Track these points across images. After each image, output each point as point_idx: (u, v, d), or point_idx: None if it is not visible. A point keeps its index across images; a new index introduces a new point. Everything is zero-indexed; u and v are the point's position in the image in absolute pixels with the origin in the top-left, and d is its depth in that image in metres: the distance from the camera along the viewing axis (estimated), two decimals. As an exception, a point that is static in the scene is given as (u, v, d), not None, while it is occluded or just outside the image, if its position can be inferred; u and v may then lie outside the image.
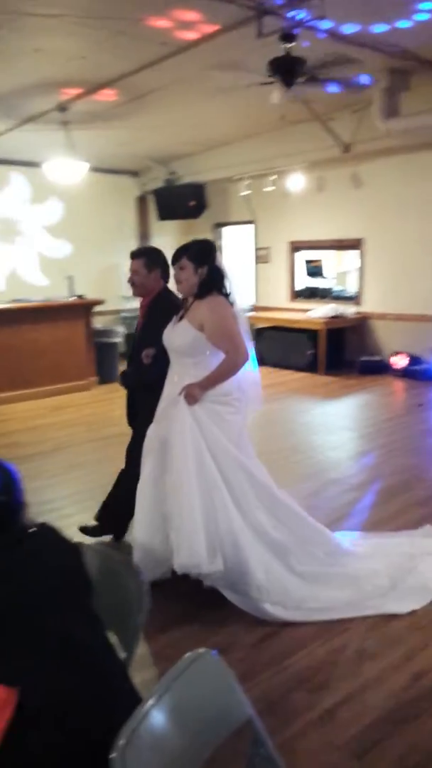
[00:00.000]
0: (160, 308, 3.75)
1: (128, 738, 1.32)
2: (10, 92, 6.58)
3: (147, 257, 3.90)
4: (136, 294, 3.94)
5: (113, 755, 1.28)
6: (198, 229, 10.67)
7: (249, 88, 5.90)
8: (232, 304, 3.36)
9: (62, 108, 7.04)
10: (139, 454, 3.41)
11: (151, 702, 1.40)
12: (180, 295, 3.46)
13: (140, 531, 3.27)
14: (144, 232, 11.25)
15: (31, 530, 1.64)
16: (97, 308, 8.85)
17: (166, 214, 10.42)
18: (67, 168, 7.92)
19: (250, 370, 3.47)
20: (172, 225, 10.98)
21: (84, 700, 1.46)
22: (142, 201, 11.18)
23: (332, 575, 3.34)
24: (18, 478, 1.67)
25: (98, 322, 9.25)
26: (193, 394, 3.23)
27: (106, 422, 6.77)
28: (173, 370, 3.40)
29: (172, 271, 3.52)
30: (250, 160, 9.27)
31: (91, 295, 8.94)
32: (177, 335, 3.34)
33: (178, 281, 3.40)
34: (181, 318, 3.38)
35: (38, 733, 1.42)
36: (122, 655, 1.75)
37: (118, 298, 10.35)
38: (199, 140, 9.24)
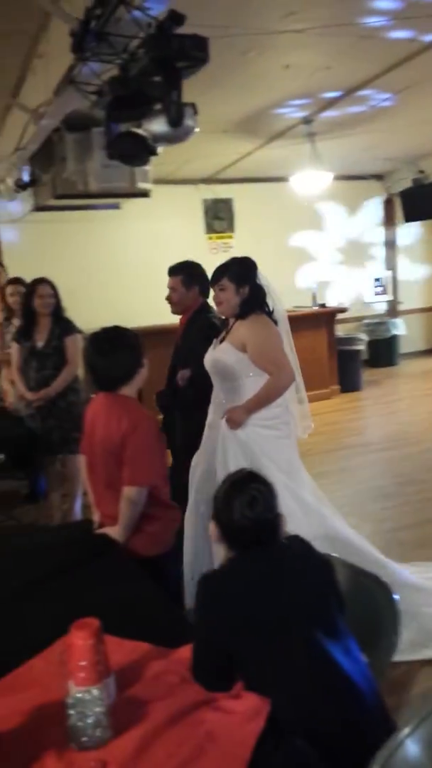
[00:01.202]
0: (197, 327, 3.57)
1: (382, 766, 1.27)
2: (260, 111, 6.81)
3: (185, 274, 3.67)
4: (174, 312, 3.72)
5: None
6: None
7: None
8: (275, 322, 3.16)
9: (308, 120, 7.13)
10: (177, 482, 3.20)
11: (406, 731, 1.33)
12: (222, 316, 3.24)
13: (186, 560, 3.13)
14: (391, 236, 11.01)
15: (286, 543, 1.66)
16: (340, 315, 8.82)
17: (413, 215, 10.07)
18: (313, 179, 8.01)
19: (297, 390, 3.23)
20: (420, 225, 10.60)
21: (336, 719, 1.44)
22: (388, 204, 10.94)
23: None
24: (277, 493, 1.70)
25: (341, 330, 9.21)
26: (235, 419, 3.05)
27: (349, 431, 6.70)
28: (216, 394, 3.22)
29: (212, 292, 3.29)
30: None
31: (333, 302, 8.93)
32: (219, 357, 3.15)
33: (218, 302, 3.20)
34: (222, 339, 3.19)
35: (289, 746, 1.42)
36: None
37: (362, 305, 10.23)
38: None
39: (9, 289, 5.53)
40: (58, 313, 4.45)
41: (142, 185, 6.08)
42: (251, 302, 3.18)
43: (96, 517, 2.70)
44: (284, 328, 3.30)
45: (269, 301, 3.25)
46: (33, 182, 5.79)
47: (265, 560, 1.62)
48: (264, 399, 3.08)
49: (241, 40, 4.61)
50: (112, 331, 2.57)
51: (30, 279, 4.68)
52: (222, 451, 3.10)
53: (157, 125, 3.16)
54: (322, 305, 8.79)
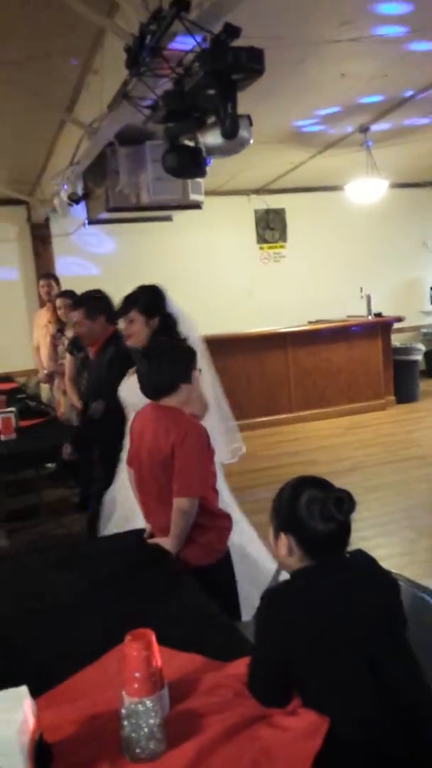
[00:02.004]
0: (108, 358, 3.43)
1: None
2: (315, 120, 6.79)
3: (87, 306, 3.53)
4: (84, 344, 3.59)
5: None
6: None
7: None
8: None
9: (363, 129, 7.07)
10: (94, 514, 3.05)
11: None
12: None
13: None
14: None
15: (350, 557, 1.63)
16: (396, 324, 8.70)
17: None
18: (369, 188, 7.93)
19: (220, 419, 3.08)
20: None
21: (402, 741, 1.40)
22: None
23: None
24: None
25: (397, 340, 9.07)
26: None
27: (406, 443, 6.59)
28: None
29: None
30: None
31: (389, 312, 8.81)
32: (132, 390, 2.97)
33: (128, 335, 3.05)
34: (135, 371, 3.00)
35: (348, 764, 1.39)
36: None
37: (418, 314, 10.06)
38: None
39: (58, 302, 5.65)
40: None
41: (195, 197, 6.12)
42: (162, 333, 3.07)
43: (147, 528, 2.71)
44: (200, 353, 3.13)
45: (182, 329, 3.12)
46: (86, 196, 5.89)
47: (335, 573, 1.59)
48: None
49: (295, 50, 4.61)
50: (162, 342, 2.59)
51: (82, 292, 4.75)
52: None
53: (212, 137, 3.18)
54: (378, 315, 8.67)
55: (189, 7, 2.81)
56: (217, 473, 3.08)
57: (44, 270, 7.88)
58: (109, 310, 3.64)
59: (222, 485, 3.19)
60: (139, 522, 2.91)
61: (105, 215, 6.40)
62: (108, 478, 3.29)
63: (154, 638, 1.53)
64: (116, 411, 3.24)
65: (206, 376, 3.13)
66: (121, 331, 3.21)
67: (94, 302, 3.74)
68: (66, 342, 5.06)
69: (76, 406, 4.49)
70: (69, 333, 5.18)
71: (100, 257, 8.54)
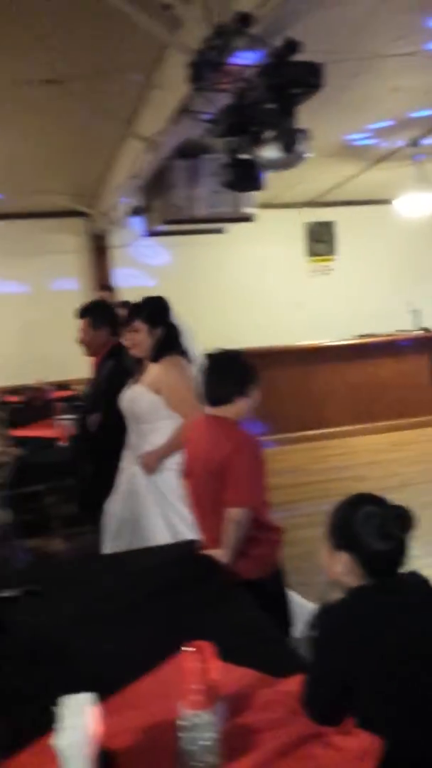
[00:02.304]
0: (108, 371, 3.45)
1: None
2: (367, 134, 6.76)
3: (92, 315, 3.54)
4: (86, 353, 3.61)
5: None
6: None
7: None
8: (190, 362, 3.03)
9: (415, 143, 7.02)
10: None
11: None
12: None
13: None
14: None
15: (404, 576, 1.60)
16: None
17: None
18: (418, 202, 7.86)
19: None
20: None
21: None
22: None
23: None
24: None
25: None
26: (149, 464, 2.96)
27: (455, 461, 6.48)
28: (131, 438, 3.10)
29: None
30: None
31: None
32: (133, 400, 3.03)
33: (131, 345, 3.07)
34: (137, 381, 3.07)
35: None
36: None
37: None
38: None
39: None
40: None
41: (247, 210, 6.17)
42: (165, 343, 3.10)
43: (200, 539, 2.71)
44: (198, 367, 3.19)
45: (183, 340, 3.15)
46: (144, 208, 5.97)
47: (392, 593, 1.57)
48: (177, 444, 2.98)
49: (348, 64, 4.61)
50: (226, 353, 2.61)
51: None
52: (136, 496, 3.05)
53: (270, 151, 3.19)
54: (426, 329, 8.56)
55: (251, 22, 2.84)
56: None
57: (101, 281, 8.01)
58: (113, 322, 3.66)
59: None
60: (145, 534, 2.93)
61: (161, 227, 6.48)
62: (106, 489, 3.30)
63: (213, 651, 1.53)
64: (114, 424, 3.26)
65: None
66: (125, 342, 3.24)
67: (100, 311, 3.77)
68: None
69: None
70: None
71: (155, 268, 8.65)
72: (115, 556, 2.86)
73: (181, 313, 5.27)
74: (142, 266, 8.62)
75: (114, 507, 3.25)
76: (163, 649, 1.84)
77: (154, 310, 3.19)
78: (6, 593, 2.18)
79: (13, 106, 4.57)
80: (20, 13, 3.39)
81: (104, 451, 3.39)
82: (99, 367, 3.75)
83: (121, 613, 2.18)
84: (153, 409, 3.09)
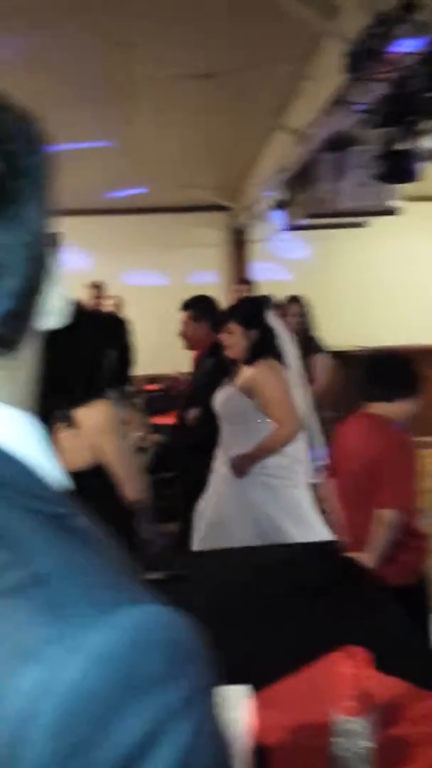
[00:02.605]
0: (207, 365, 3.43)
1: None
2: None
3: (194, 308, 3.48)
4: (185, 347, 3.59)
5: None
6: None
7: None
8: (285, 366, 2.96)
9: None
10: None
11: None
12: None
13: None
14: None
15: None
16: None
17: None
18: None
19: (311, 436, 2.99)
20: None
21: None
22: None
23: None
24: None
25: None
26: (239, 467, 2.89)
27: None
28: (223, 439, 3.05)
29: None
30: None
31: None
32: (224, 401, 3.01)
33: (226, 346, 3.01)
34: (230, 382, 3.02)
35: None
36: None
37: None
38: None
39: None
40: (306, 331, 4.50)
41: (393, 203, 5.99)
42: (260, 346, 3.03)
43: (344, 541, 2.66)
44: (296, 371, 3.14)
45: (279, 343, 3.07)
46: (286, 202, 5.94)
47: None
48: (268, 448, 2.97)
49: None
50: (393, 353, 2.56)
51: (278, 296, 4.80)
52: (222, 499, 3.02)
53: (429, 141, 3.08)
54: None
55: (415, 8, 2.74)
56: (304, 499, 3.12)
57: (239, 275, 8.07)
58: (214, 318, 3.64)
59: (312, 515, 3.13)
60: (229, 538, 2.91)
61: (303, 221, 6.43)
62: (198, 486, 3.29)
63: (368, 658, 1.48)
64: (211, 421, 3.26)
65: (297, 393, 3.12)
66: (222, 343, 3.24)
67: (203, 305, 3.76)
68: None
69: None
70: None
71: (294, 263, 8.59)
72: (253, 549, 2.86)
73: (319, 309, 5.21)
74: (281, 261, 8.59)
75: (203, 507, 3.24)
76: (307, 650, 1.81)
77: (250, 312, 3.14)
78: (153, 575, 2.22)
79: (166, 101, 4.68)
80: (175, 8, 3.45)
81: (199, 446, 3.43)
82: (198, 363, 3.78)
83: (258, 609, 2.16)
84: (243, 412, 3.06)
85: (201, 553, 3.27)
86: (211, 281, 8.58)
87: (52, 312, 0.54)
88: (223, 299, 8.46)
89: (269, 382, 3.02)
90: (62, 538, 0.44)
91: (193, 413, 3.57)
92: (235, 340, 3.09)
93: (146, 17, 3.50)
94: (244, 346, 3.06)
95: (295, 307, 4.51)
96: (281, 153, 5.00)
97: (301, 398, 3.19)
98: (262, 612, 2.15)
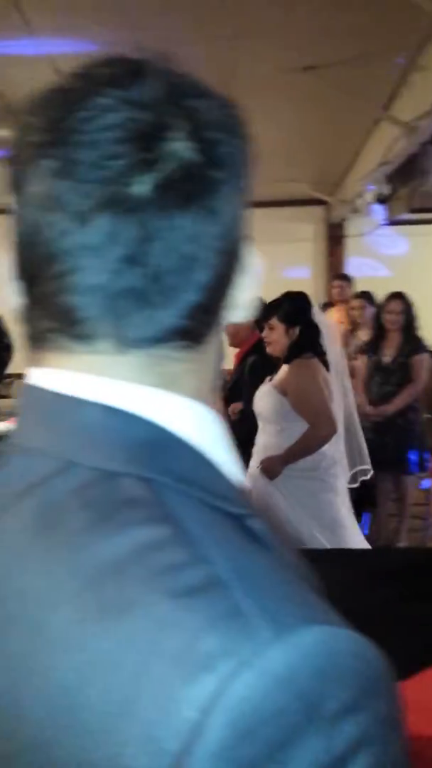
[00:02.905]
0: (250, 362, 3.45)
1: None
2: None
3: None
4: (229, 344, 3.39)
5: None
6: None
7: None
8: (326, 365, 2.82)
9: None
10: None
11: None
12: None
13: None
14: None
15: None
16: None
17: None
18: None
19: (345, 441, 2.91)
20: None
21: None
22: None
23: None
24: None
25: None
26: (270, 469, 2.82)
27: None
28: (259, 437, 2.99)
29: None
30: None
31: None
32: (261, 399, 2.94)
33: (267, 342, 2.94)
34: (270, 380, 2.95)
35: None
36: None
37: None
38: None
39: (354, 302, 5.63)
40: (409, 329, 4.38)
41: None
42: (301, 344, 2.94)
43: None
44: (339, 370, 3.02)
45: (323, 341, 2.95)
46: (388, 196, 5.79)
47: None
48: (301, 450, 2.87)
49: None
50: None
51: (378, 292, 4.69)
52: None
53: None
54: None
55: None
56: (342, 503, 3.00)
57: (335, 270, 7.94)
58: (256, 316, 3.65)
59: (348, 520, 3.01)
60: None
61: (405, 216, 6.26)
62: None
63: None
64: (249, 418, 3.21)
65: (336, 395, 2.97)
66: (264, 338, 3.16)
67: None
68: (357, 343, 5.05)
69: (364, 410, 4.43)
70: (360, 335, 5.16)
71: (392, 259, 8.37)
72: (353, 552, 2.81)
73: (418, 306, 5.05)
74: (378, 256, 8.39)
75: None
76: (416, 658, 1.75)
77: (293, 308, 3.01)
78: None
79: (272, 94, 4.64)
80: (284, 1, 3.41)
81: (239, 441, 3.44)
82: (241, 360, 3.73)
83: (376, 612, 2.11)
84: (277, 411, 2.95)
85: (299, 551, 3.22)
86: (304, 276, 8.49)
87: (240, 306, 0.53)
88: (315, 294, 8.42)
89: (304, 381, 2.92)
90: (243, 540, 0.43)
91: (234, 406, 3.59)
92: (276, 336, 3.00)
93: (249, 10, 3.47)
94: (286, 343, 2.97)
95: (396, 304, 4.38)
96: (387, 146, 4.87)
97: (338, 398, 3.04)
98: (382, 616, 2.09)
